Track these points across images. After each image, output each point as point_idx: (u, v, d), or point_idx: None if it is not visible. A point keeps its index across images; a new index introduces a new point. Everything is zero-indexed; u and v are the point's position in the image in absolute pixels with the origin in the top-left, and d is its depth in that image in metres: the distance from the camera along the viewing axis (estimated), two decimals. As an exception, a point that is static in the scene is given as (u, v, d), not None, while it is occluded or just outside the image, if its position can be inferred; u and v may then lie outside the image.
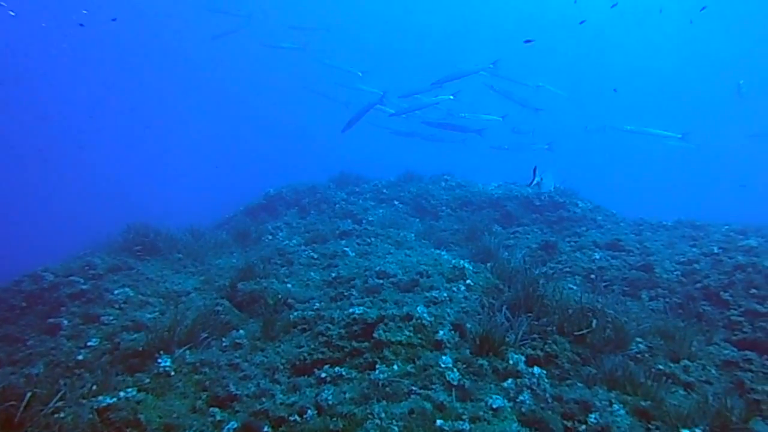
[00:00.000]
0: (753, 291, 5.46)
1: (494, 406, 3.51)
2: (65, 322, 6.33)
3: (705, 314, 5.38)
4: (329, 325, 5.30)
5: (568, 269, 7.06)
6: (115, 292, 6.86)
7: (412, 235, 9.66)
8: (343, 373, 4.46)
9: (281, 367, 4.84)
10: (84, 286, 6.94)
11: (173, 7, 36.75)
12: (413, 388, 3.90)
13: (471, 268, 6.47)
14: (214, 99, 41.73)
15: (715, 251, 6.62)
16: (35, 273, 7.17)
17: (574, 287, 6.22)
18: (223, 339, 5.54)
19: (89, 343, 5.75)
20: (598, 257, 7.19)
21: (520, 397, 3.64)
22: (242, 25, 18.34)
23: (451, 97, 11.84)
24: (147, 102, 38.74)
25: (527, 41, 12.52)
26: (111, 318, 6.32)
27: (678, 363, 4.35)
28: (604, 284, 6.27)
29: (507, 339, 4.29)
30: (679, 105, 38.32)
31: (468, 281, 6.09)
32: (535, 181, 6.88)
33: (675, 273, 6.35)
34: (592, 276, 6.73)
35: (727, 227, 7.85)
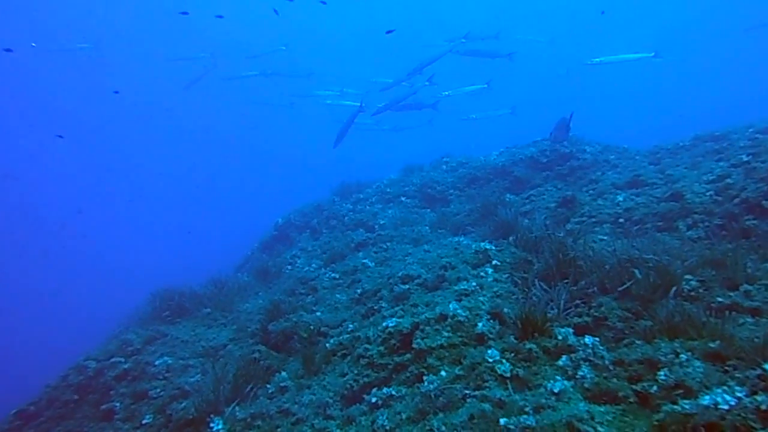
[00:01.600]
0: (798, 192, 5.05)
1: (555, 390, 3.28)
2: (117, 405, 6.35)
3: (752, 229, 4.99)
4: (367, 346, 5.13)
5: (594, 220, 6.75)
6: (156, 363, 6.85)
7: (427, 228, 9.45)
8: (393, 392, 4.28)
9: (331, 401, 4.69)
10: (126, 366, 6.96)
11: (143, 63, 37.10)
12: (466, 391, 3.70)
13: (493, 247, 6.23)
14: (203, 146, 42.04)
15: (745, 159, 6.21)
16: (78, 364, 7.21)
17: (605, 237, 5.94)
18: (268, 385, 5.41)
19: (144, 422, 5.75)
20: (621, 199, 6.86)
21: (579, 373, 3.40)
22: (209, 68, 18.29)
23: (427, 83, 11.60)
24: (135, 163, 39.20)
25: (389, 32, 12.40)
26: (158, 390, 6.31)
27: (737, 290, 4.00)
28: (635, 226, 5.92)
29: (549, 314, 4.05)
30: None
31: (494, 262, 5.85)
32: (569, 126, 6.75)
33: (708, 194, 5.95)
34: (621, 220, 6.41)
35: (751, 129, 7.36)
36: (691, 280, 4.15)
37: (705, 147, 7.73)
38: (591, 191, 7.74)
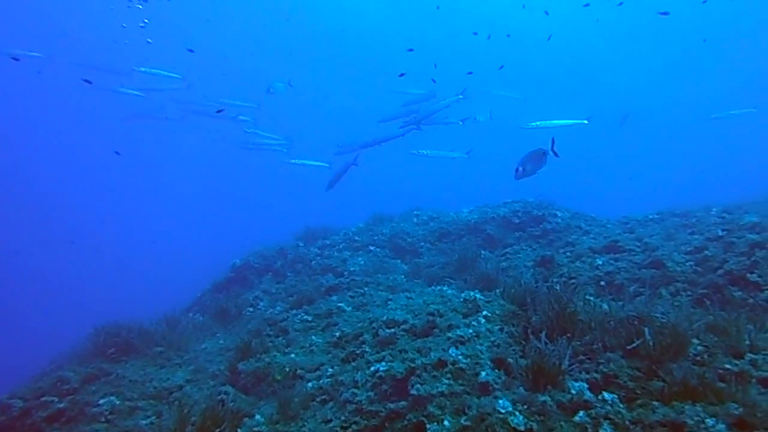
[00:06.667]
0: (781, 266, 5.23)
1: None
2: (47, 450, 5.52)
3: (739, 301, 5.11)
4: (355, 390, 4.82)
5: (573, 281, 6.84)
6: (100, 402, 6.08)
7: (402, 277, 9.34)
8: (389, 442, 3.98)
9: (315, 450, 4.29)
10: (60, 405, 6.10)
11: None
12: (478, 444, 3.47)
13: (482, 298, 6.15)
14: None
15: (720, 234, 6.52)
16: (1, 402, 6.26)
17: (592, 298, 5.99)
18: (239, 430, 4.91)
19: (81, 468, 5.02)
20: (600, 262, 7.03)
21: (600, 431, 3.26)
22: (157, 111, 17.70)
23: (415, 127, 11.86)
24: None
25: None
26: (99, 434, 5.55)
27: (742, 358, 3.96)
28: (631, 288, 5.98)
29: (562, 366, 3.93)
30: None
31: (485, 312, 5.75)
32: (553, 149, 6.14)
33: (688, 264, 6.18)
34: (602, 283, 6.54)
35: (716, 209, 7.83)
36: (697, 344, 4.15)
37: (674, 221, 8.12)
38: (568, 253, 7.90)
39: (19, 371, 8.31)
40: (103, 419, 5.89)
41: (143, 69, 15.41)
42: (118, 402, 6.17)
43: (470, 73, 17.02)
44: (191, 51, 18.60)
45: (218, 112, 14.46)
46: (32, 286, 22.50)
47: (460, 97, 11.69)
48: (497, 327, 5.39)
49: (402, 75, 14.47)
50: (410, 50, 17.52)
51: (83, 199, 37.00)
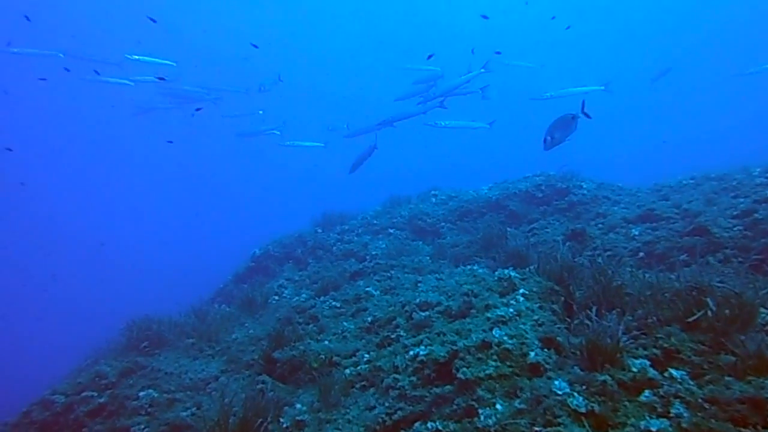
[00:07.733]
0: None
1: (653, 430, 2.94)
2: (92, 444, 5.53)
3: None
4: (396, 376, 4.72)
5: (609, 254, 6.63)
6: (139, 395, 6.12)
7: (427, 258, 9.20)
8: (440, 427, 3.86)
9: (363, 438, 4.22)
10: (101, 399, 6.19)
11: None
12: (536, 428, 3.34)
13: (517, 275, 5.99)
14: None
15: None
16: (44, 398, 6.38)
17: (630, 269, 5.80)
18: (281, 419, 4.86)
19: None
20: (637, 233, 6.79)
21: (673, 411, 3.06)
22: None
23: (443, 107, 11.63)
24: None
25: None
26: (142, 427, 5.59)
27: None
28: (681, 258, 5.75)
29: (621, 343, 3.76)
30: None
31: (522, 290, 5.58)
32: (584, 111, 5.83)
33: (736, 229, 5.88)
34: (641, 254, 6.33)
35: (759, 169, 7.45)
36: (765, 314, 3.89)
37: (711, 185, 7.78)
38: (600, 225, 7.68)
39: (47, 369, 8.45)
40: (143, 412, 5.93)
41: (135, 57, 15.11)
42: (156, 394, 6.20)
43: (553, 17, 16.48)
44: (256, 47, 18.05)
45: (197, 110, 14.43)
46: (54, 287, 22.82)
47: (482, 71, 11.37)
48: (537, 305, 5.23)
49: (430, 56, 14.12)
50: (485, 17, 17.03)
51: (99, 199, 37.25)
